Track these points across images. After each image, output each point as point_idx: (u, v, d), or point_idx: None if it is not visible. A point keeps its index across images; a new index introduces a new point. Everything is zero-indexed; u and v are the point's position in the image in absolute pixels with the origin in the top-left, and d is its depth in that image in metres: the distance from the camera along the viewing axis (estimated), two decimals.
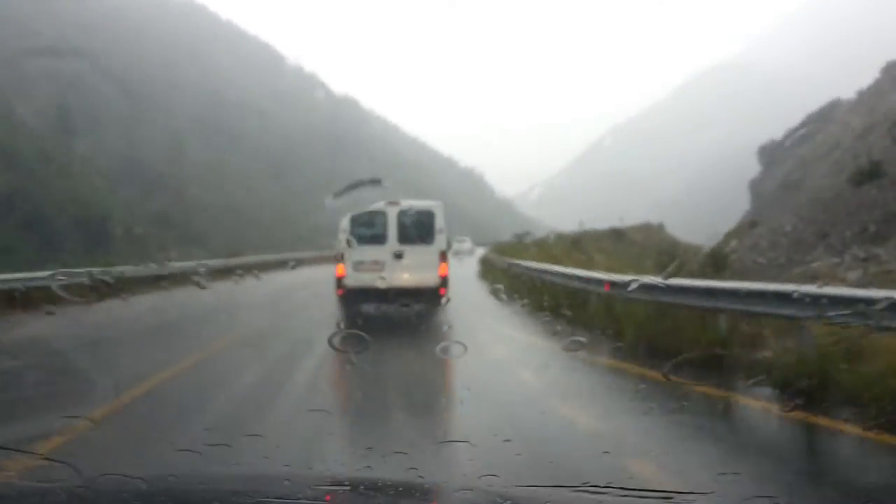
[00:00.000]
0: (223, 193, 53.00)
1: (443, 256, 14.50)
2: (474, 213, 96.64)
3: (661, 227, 56.33)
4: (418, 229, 14.44)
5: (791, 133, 58.60)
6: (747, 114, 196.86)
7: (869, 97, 46.57)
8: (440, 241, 14.63)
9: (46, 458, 2.58)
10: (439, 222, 14.72)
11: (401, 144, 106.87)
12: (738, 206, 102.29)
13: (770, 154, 61.48)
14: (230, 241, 37.34)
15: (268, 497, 2.08)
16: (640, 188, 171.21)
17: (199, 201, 49.35)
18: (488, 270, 26.92)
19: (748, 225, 29.90)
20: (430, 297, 14.03)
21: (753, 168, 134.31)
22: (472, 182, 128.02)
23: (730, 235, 31.79)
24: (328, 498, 2.28)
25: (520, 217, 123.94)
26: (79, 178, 39.28)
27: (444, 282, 14.32)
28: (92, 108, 45.98)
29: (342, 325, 11.71)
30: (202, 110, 61.55)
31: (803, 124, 57.36)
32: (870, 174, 26.03)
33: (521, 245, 34.89)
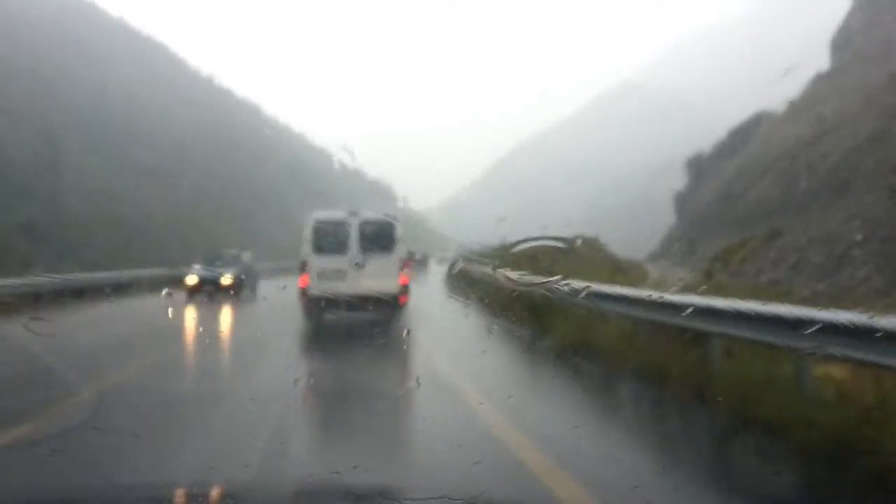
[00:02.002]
0: (105, 201, 47.19)
1: (403, 265, 14.84)
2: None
3: (597, 241, 53.16)
4: (379, 239, 14.74)
5: (721, 145, 56.89)
6: (650, 132, 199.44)
7: (800, 108, 44.72)
8: (400, 250, 14.94)
9: None
10: (399, 232, 15.04)
11: (305, 153, 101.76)
12: (647, 221, 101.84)
13: (698, 166, 59.47)
14: (111, 253, 33.53)
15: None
16: (550, 203, 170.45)
17: (75, 210, 43.57)
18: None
19: (767, 237, 24.78)
20: (391, 304, 14.38)
21: (650, 185, 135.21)
22: (379, 194, 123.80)
23: (731, 251, 26.29)
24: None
25: (430, 232, 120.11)
26: None
27: (405, 289, 14.72)
28: None
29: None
30: (85, 113, 55.50)
31: (731, 136, 56.07)
32: None
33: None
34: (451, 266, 30.99)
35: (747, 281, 20.62)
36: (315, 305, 14.30)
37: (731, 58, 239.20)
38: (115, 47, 77.15)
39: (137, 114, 61.85)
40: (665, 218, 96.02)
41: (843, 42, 52.18)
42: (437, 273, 31.91)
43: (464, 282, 21.36)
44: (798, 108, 44.25)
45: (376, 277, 14.47)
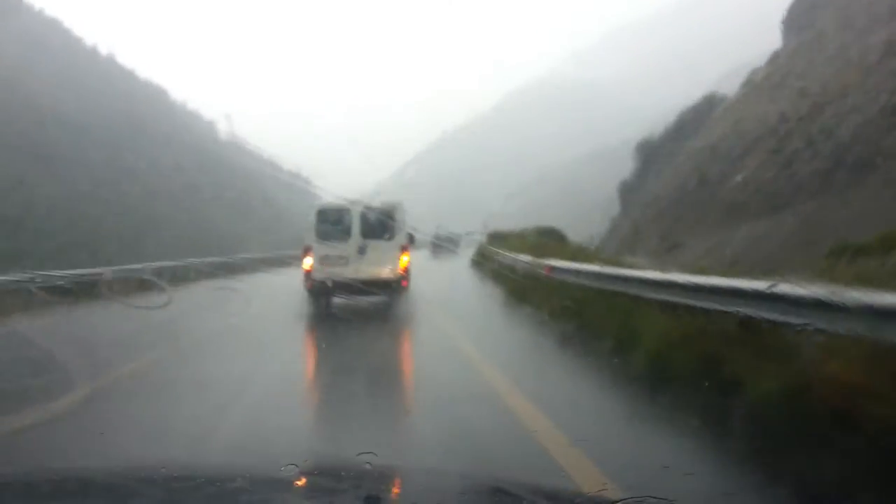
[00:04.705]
0: None
1: (403, 250, 15.59)
2: (298, 222, 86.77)
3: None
4: (380, 225, 15.56)
5: (671, 130, 53.14)
6: (572, 122, 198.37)
7: (768, 86, 41.05)
8: (401, 236, 15.68)
9: None
10: (400, 218, 15.78)
11: (215, 144, 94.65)
12: (577, 212, 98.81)
13: (647, 152, 55.59)
14: None
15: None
16: (478, 194, 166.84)
17: None
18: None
19: None
20: (393, 288, 15.38)
21: (580, 176, 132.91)
22: (297, 187, 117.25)
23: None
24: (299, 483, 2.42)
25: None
26: None
27: (406, 274, 15.57)
28: None
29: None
30: None
31: (679, 121, 52.53)
32: None
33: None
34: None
35: None
36: (320, 288, 14.90)
37: (651, 48, 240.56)
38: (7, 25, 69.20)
39: (24, 104, 54.47)
40: (594, 207, 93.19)
41: (799, 19, 49.10)
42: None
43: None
44: (764, 85, 40.61)
45: (378, 263, 15.02)
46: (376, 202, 16.06)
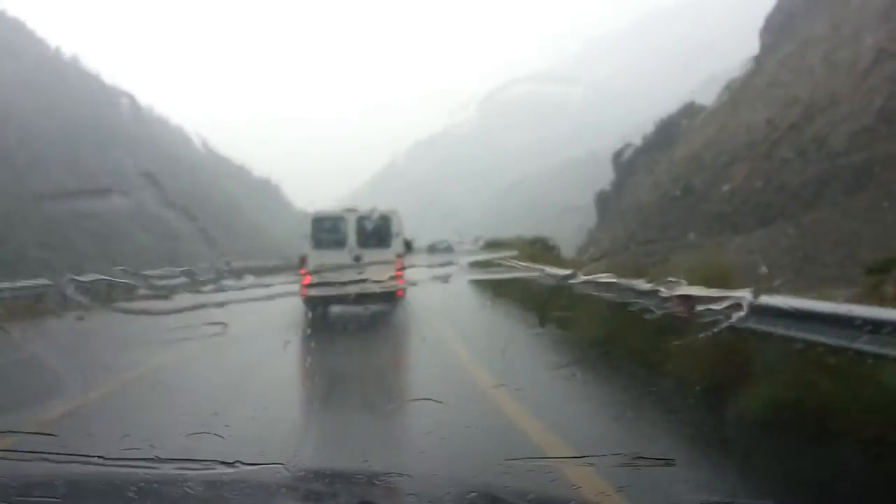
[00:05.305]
0: None
1: (399, 259, 15.20)
2: (269, 229, 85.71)
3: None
4: (376, 233, 15.36)
5: (650, 139, 52.14)
6: (545, 132, 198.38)
7: (750, 95, 40.12)
8: (397, 244, 15.39)
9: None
10: (396, 226, 15.50)
11: (184, 150, 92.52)
12: (553, 223, 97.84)
13: (626, 163, 54.54)
14: None
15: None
16: (449, 204, 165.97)
17: None
18: None
19: None
20: (388, 297, 14.64)
21: (552, 187, 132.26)
22: (267, 194, 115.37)
23: None
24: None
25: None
26: None
27: (402, 283, 14.86)
28: None
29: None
30: None
31: (659, 130, 51.58)
32: None
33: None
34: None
35: None
36: (315, 297, 14.33)
37: (627, 59, 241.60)
38: None
39: None
40: (567, 217, 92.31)
41: (778, 27, 48.41)
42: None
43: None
44: (746, 94, 39.69)
45: (374, 270, 14.63)
46: (371, 210, 15.78)
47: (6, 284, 18.24)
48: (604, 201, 56.15)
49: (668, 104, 65.23)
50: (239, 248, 58.11)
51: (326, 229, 15.43)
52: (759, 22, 56.83)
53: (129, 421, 6.90)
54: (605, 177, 64.76)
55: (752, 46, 54.58)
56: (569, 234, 65.53)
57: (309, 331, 13.26)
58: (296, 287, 14.32)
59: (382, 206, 16.04)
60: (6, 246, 36.63)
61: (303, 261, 14.88)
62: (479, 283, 17.43)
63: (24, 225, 42.52)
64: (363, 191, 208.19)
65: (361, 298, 14.01)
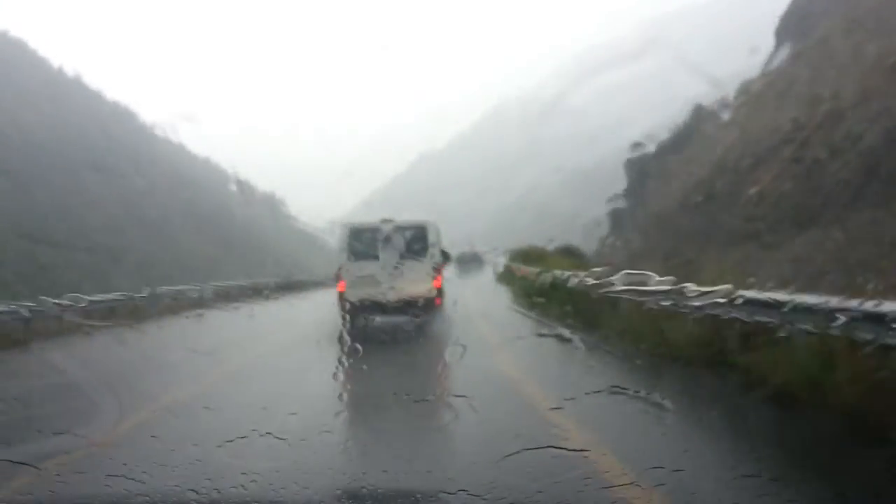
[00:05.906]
0: None
1: (436, 269, 15.45)
2: (274, 245, 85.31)
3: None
4: (412, 244, 15.35)
5: (665, 145, 51.14)
6: (549, 141, 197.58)
7: (769, 94, 39.12)
8: (433, 254, 15.56)
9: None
10: (432, 237, 15.70)
11: (187, 166, 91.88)
12: (556, 234, 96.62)
13: (638, 170, 53.51)
14: None
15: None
16: (452, 217, 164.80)
17: None
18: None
19: None
20: (426, 307, 14.89)
21: (555, 199, 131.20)
22: (271, 210, 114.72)
23: None
24: None
25: (324, 250, 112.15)
26: None
27: (439, 292, 15.28)
28: None
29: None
30: None
31: (673, 136, 50.62)
32: None
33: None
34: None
35: None
36: (353, 309, 14.18)
37: (625, 67, 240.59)
38: None
39: None
40: (576, 228, 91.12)
41: (794, 27, 47.46)
42: None
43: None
44: (766, 95, 38.66)
45: (411, 281, 14.62)
46: (408, 222, 15.57)
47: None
48: (616, 209, 55.19)
49: (677, 109, 64.33)
50: (251, 262, 57.29)
51: (363, 241, 15.26)
52: (762, 24, 56.23)
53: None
54: (614, 185, 63.71)
55: (760, 48, 53.79)
56: (577, 242, 64.57)
57: (349, 340, 12.26)
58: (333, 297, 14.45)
59: (420, 216, 15.79)
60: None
61: (340, 273, 14.81)
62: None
63: (29, 243, 41.85)
64: (365, 206, 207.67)
65: (399, 308, 14.25)
